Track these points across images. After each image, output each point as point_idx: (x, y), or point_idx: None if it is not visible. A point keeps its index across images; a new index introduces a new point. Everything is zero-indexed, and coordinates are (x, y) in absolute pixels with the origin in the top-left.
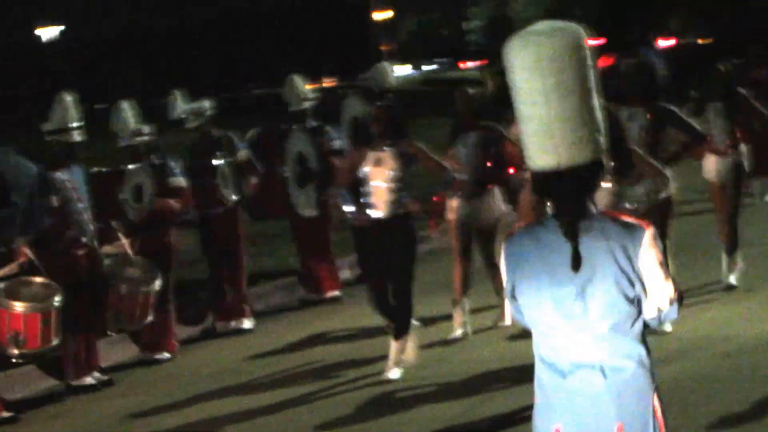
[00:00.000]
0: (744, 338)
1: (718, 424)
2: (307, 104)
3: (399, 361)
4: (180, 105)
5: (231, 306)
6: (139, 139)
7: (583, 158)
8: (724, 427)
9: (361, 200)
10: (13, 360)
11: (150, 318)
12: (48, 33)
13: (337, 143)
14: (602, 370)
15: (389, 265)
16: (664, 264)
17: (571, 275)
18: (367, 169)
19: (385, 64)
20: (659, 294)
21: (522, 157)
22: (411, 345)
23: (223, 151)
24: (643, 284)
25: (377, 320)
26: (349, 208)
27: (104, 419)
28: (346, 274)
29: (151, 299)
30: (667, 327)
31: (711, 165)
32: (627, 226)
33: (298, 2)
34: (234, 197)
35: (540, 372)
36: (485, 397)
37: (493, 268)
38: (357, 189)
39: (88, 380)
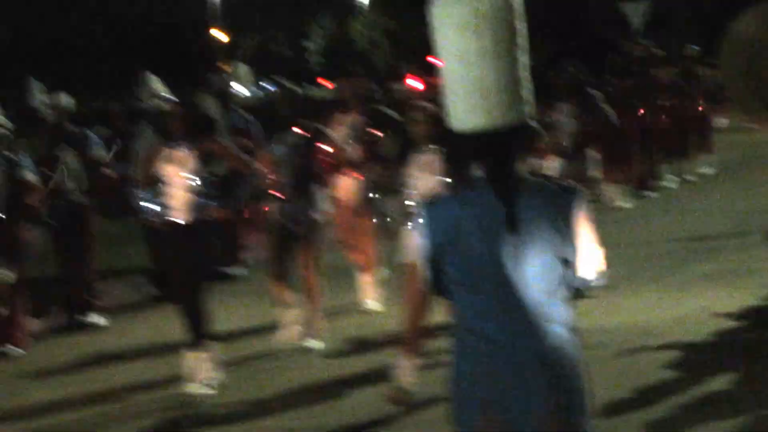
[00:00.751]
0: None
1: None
2: (159, 102)
3: (200, 375)
4: (37, 96)
5: (81, 301)
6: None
7: (518, 119)
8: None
9: (162, 202)
10: None
11: None
12: None
13: (95, 150)
14: (535, 336)
15: (187, 271)
16: (593, 228)
17: (505, 237)
18: (164, 168)
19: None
20: (589, 258)
21: (341, 159)
22: (205, 364)
23: (76, 146)
24: (575, 246)
25: (237, 321)
26: (149, 209)
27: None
28: None
29: (1, 292)
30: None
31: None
32: (562, 188)
33: (138, 22)
34: (78, 193)
35: (463, 340)
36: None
37: (307, 276)
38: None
39: None
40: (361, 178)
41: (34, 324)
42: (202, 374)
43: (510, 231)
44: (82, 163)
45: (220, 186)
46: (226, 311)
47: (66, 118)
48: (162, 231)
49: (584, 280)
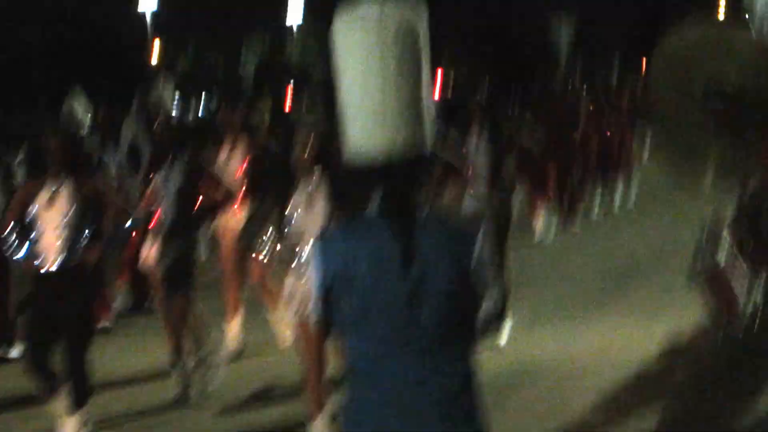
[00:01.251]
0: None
1: None
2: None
3: None
4: None
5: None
6: None
7: (418, 149)
8: None
9: (31, 245)
10: None
11: None
12: None
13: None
14: (430, 384)
15: (58, 325)
16: (495, 265)
17: (401, 276)
18: (37, 207)
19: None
20: (489, 296)
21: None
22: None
23: None
24: (477, 286)
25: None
26: (16, 254)
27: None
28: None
29: None
30: (503, 340)
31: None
32: (465, 223)
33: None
34: None
35: (354, 387)
36: None
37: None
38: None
39: None
40: (241, 214)
41: None
42: None
43: (406, 269)
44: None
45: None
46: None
47: None
48: (36, 277)
49: (486, 321)
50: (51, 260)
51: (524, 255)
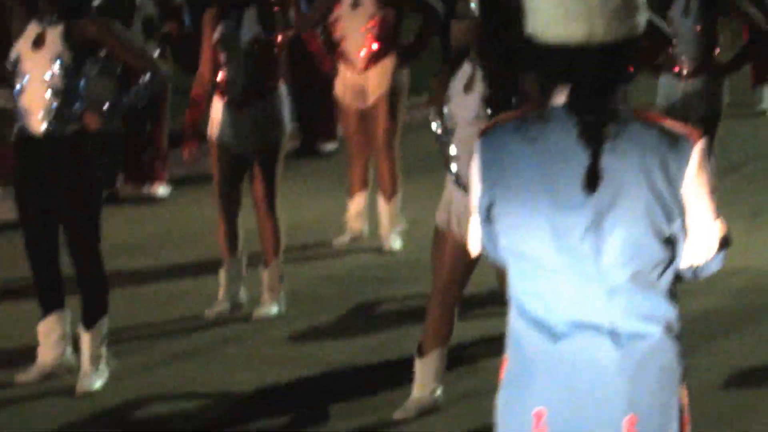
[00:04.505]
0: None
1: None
2: None
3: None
4: None
5: (146, 168)
6: None
7: (622, 33)
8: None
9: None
10: None
11: None
12: None
13: None
14: (614, 336)
15: (53, 205)
16: (714, 193)
17: (582, 197)
18: (20, 52)
19: None
20: (704, 235)
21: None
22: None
23: None
24: (683, 219)
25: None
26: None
27: None
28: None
29: None
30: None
31: None
32: (670, 135)
33: None
34: None
35: (518, 330)
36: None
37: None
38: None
39: None
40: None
41: None
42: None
43: (590, 187)
44: None
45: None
46: None
47: None
48: (19, 145)
49: (695, 268)
50: (36, 123)
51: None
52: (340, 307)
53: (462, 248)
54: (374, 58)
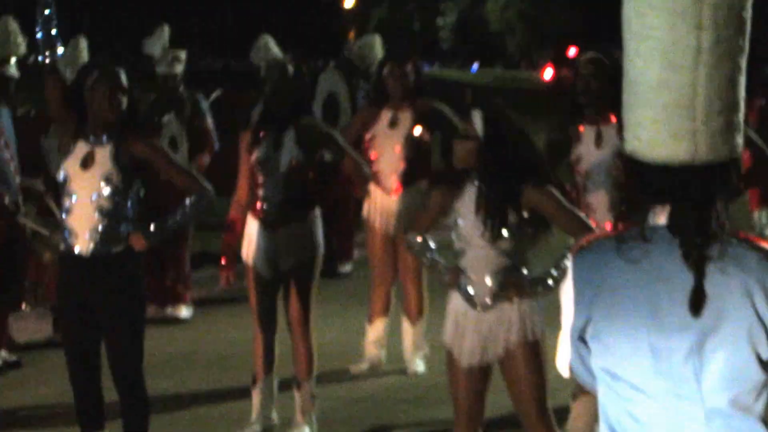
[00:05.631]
0: None
1: None
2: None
3: None
4: (160, 42)
5: (169, 290)
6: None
7: (724, 153)
8: None
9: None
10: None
11: None
12: None
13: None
14: None
15: (96, 325)
16: None
17: (686, 319)
18: (68, 171)
19: (376, 36)
20: None
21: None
22: None
23: (183, 111)
24: None
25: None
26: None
27: (4, 409)
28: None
29: None
30: None
31: None
32: None
33: None
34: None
35: None
36: None
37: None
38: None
39: None
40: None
41: None
42: None
43: (695, 309)
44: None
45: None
46: None
47: (180, 76)
48: (65, 264)
49: None
50: (83, 243)
51: None
52: (371, 430)
53: (475, 370)
54: (407, 181)
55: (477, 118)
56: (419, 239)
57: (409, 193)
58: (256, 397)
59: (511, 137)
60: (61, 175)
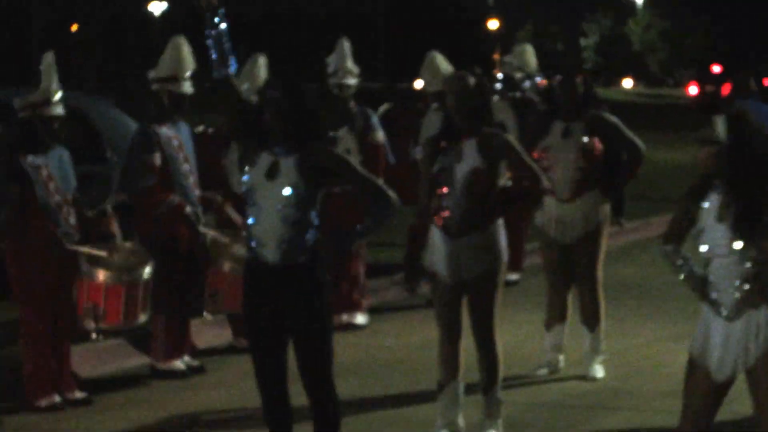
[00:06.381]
0: None
1: None
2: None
3: None
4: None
5: (344, 298)
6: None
7: None
8: None
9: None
10: (93, 336)
11: None
12: (158, 7)
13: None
14: None
15: (287, 336)
16: None
17: None
18: (253, 182)
19: (527, 45)
20: None
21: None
22: None
23: (356, 124)
24: None
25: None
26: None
27: (188, 412)
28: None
29: None
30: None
31: None
32: None
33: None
34: None
35: None
36: None
37: None
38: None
39: (177, 364)
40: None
41: None
42: None
43: None
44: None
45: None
46: None
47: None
48: (254, 273)
49: None
50: (271, 253)
51: None
52: None
53: (713, 379)
54: (581, 190)
55: (719, 123)
56: (672, 250)
57: (584, 201)
58: (441, 402)
59: (755, 140)
60: (244, 186)
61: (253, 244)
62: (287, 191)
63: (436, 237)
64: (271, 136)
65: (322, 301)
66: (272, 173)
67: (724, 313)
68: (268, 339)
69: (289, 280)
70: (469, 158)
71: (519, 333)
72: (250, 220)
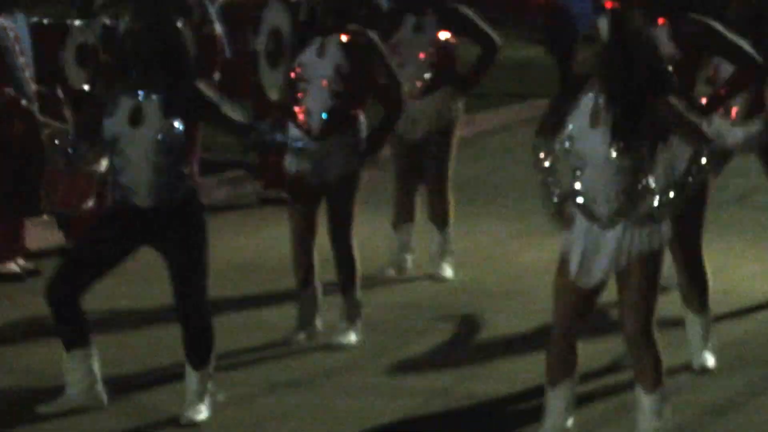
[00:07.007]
0: None
1: None
2: None
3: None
4: None
5: None
6: None
7: None
8: None
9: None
10: None
11: (89, 203)
12: None
13: None
14: None
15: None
16: None
17: None
18: (112, 125)
19: None
20: None
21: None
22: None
23: (193, 16)
24: None
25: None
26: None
27: (24, 318)
28: None
29: (94, 181)
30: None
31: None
32: None
33: None
34: None
35: None
36: None
37: None
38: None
39: (12, 267)
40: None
41: None
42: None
43: None
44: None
45: None
46: None
47: None
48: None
49: None
50: (140, 197)
51: None
52: (422, 336)
53: (579, 285)
54: (431, 87)
55: (603, 23)
56: (541, 143)
57: (433, 98)
58: (299, 305)
59: (637, 40)
60: (106, 136)
61: (119, 192)
62: (154, 137)
63: (294, 133)
64: (130, 75)
65: (200, 241)
66: (135, 119)
67: (597, 223)
68: (111, 247)
69: (162, 222)
70: (332, 55)
71: (366, 233)
72: (116, 170)
